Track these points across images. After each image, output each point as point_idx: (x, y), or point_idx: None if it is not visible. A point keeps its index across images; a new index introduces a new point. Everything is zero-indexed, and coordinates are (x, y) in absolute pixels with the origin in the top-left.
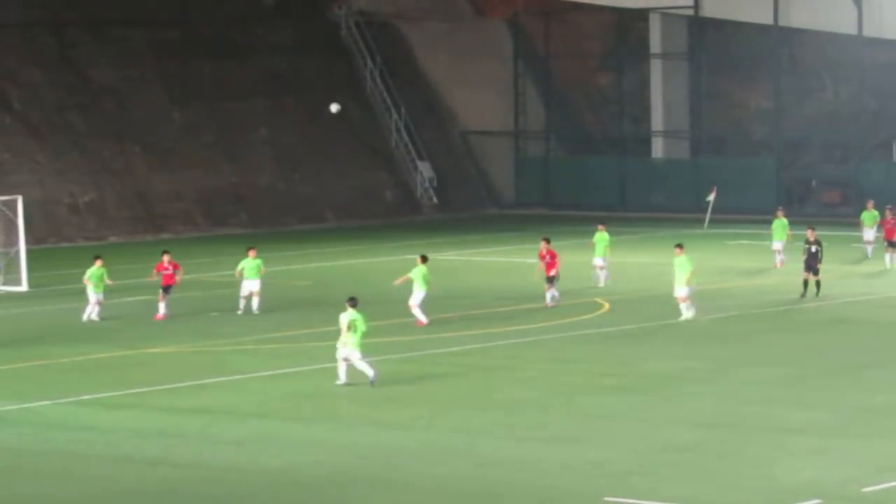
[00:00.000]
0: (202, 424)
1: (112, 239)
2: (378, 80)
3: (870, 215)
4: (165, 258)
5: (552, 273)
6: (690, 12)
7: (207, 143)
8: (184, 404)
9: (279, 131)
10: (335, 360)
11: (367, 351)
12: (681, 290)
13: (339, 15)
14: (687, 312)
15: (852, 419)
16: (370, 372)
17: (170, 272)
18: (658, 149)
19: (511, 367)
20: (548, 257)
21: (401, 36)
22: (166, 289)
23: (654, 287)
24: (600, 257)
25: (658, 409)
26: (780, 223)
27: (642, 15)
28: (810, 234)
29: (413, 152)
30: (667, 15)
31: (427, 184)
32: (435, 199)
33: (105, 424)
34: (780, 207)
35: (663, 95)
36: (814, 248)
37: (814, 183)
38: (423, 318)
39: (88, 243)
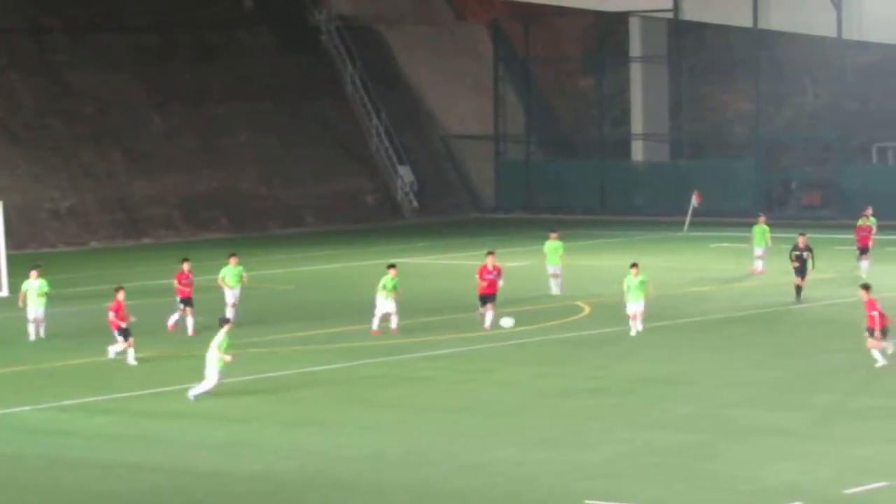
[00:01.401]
0: (184, 429)
1: (93, 244)
2: (358, 85)
3: (761, 229)
4: (185, 266)
5: (494, 291)
6: (670, 15)
7: (188, 147)
8: (165, 409)
9: (260, 136)
10: (316, 364)
11: (347, 355)
12: (637, 307)
13: (319, 19)
14: (638, 325)
15: (834, 421)
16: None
17: (189, 282)
18: (638, 152)
19: (491, 370)
20: (494, 273)
21: (381, 40)
22: (186, 301)
23: None
24: (554, 265)
25: (639, 411)
26: (761, 229)
27: (622, 18)
28: (801, 242)
29: (394, 156)
30: (646, 18)
31: (408, 188)
32: (415, 204)
33: (86, 429)
34: (762, 213)
35: (643, 98)
36: (804, 255)
37: (794, 185)
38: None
39: (69, 248)
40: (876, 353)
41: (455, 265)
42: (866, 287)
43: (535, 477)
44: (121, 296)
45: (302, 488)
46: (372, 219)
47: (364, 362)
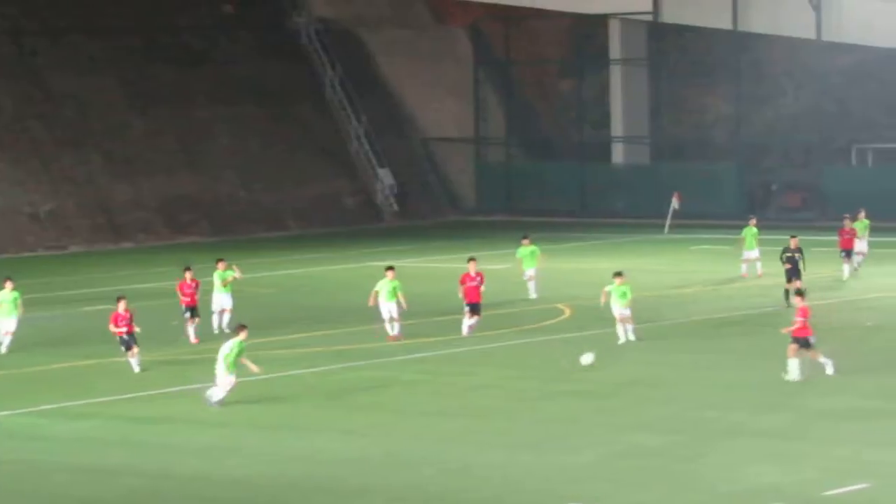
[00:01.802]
0: (164, 433)
1: (73, 248)
2: (338, 88)
3: (861, 224)
4: (188, 275)
5: (480, 299)
6: (650, 18)
7: (168, 151)
8: (145, 413)
9: (240, 139)
10: (299, 368)
11: (329, 359)
12: (624, 311)
13: (298, 22)
14: (630, 335)
15: (814, 423)
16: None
17: (192, 291)
18: (618, 154)
19: (473, 373)
20: (477, 280)
21: (361, 43)
22: (191, 310)
23: None
24: (531, 268)
25: (621, 413)
26: (752, 231)
27: (602, 21)
28: (793, 244)
29: (374, 159)
30: (626, 21)
31: (388, 191)
32: (396, 207)
33: (66, 434)
34: (752, 216)
35: (623, 101)
36: (796, 257)
37: (774, 187)
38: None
39: (49, 252)
40: (791, 364)
41: (436, 268)
42: (801, 293)
43: (519, 480)
44: (120, 306)
45: (283, 492)
46: (352, 222)
47: (346, 365)
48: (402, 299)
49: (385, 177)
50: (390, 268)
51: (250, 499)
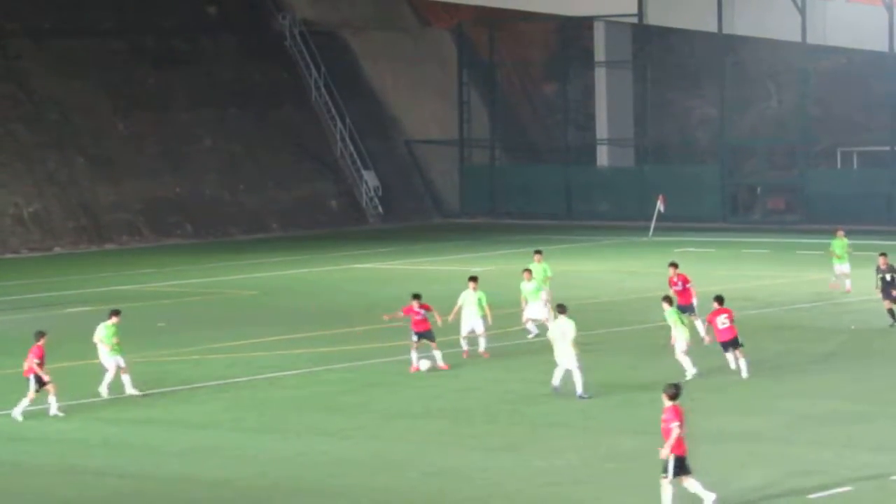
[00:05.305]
0: (147, 435)
1: (57, 250)
2: (322, 90)
3: (840, 243)
4: (415, 304)
5: (692, 301)
6: (635, 20)
7: (151, 153)
8: (128, 415)
9: (223, 141)
10: (281, 370)
11: (311, 361)
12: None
13: (283, 24)
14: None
15: (797, 426)
16: None
17: (421, 317)
18: (603, 157)
19: (456, 375)
20: (679, 284)
21: (345, 45)
22: (421, 335)
23: (598, 295)
24: (544, 291)
25: (603, 417)
26: (842, 243)
27: (586, 23)
28: (882, 262)
29: (358, 161)
30: (611, 23)
31: (372, 193)
32: (380, 209)
33: (50, 435)
34: (841, 227)
35: (608, 103)
36: (888, 276)
37: (758, 190)
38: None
39: (33, 254)
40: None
41: (419, 270)
42: (719, 299)
43: (501, 482)
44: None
45: (266, 494)
46: (336, 224)
47: (328, 368)
48: (487, 313)
49: (369, 179)
50: (473, 278)
51: (232, 500)
